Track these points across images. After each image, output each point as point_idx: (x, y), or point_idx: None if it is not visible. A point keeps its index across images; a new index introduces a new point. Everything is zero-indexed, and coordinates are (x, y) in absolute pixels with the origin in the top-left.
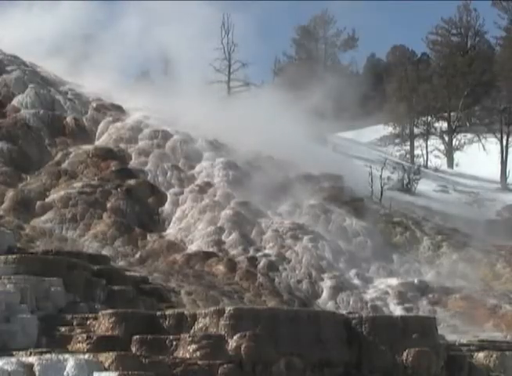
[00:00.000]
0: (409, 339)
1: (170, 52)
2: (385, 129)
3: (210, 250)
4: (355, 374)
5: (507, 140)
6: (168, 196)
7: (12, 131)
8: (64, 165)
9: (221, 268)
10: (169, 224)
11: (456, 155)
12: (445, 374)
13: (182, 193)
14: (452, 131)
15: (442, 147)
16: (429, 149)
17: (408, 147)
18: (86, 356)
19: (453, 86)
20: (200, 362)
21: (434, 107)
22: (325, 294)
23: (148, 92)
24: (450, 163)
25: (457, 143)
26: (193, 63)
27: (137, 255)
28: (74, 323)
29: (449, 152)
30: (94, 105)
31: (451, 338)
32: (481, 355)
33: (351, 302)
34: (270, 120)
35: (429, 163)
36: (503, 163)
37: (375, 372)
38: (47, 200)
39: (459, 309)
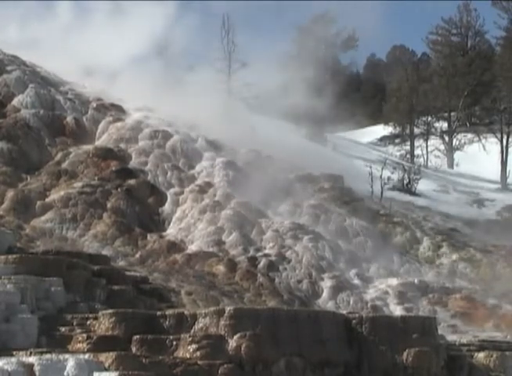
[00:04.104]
0: (409, 339)
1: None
2: (385, 129)
3: (211, 250)
4: (356, 373)
5: (507, 140)
6: (168, 196)
7: (12, 131)
8: (64, 165)
9: (221, 268)
10: (169, 224)
11: (456, 155)
12: (445, 374)
13: (182, 193)
14: (452, 131)
15: (442, 147)
16: (429, 149)
17: (408, 147)
18: (86, 356)
19: (453, 86)
20: (200, 362)
21: (434, 107)
22: (325, 294)
23: (148, 91)
24: (450, 163)
25: (457, 143)
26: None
27: (137, 255)
28: (74, 323)
29: (449, 152)
30: (94, 105)
31: (451, 338)
32: (481, 355)
33: (351, 302)
34: (270, 119)
35: (429, 163)
36: (503, 163)
37: (375, 372)
38: (47, 200)
39: (459, 309)
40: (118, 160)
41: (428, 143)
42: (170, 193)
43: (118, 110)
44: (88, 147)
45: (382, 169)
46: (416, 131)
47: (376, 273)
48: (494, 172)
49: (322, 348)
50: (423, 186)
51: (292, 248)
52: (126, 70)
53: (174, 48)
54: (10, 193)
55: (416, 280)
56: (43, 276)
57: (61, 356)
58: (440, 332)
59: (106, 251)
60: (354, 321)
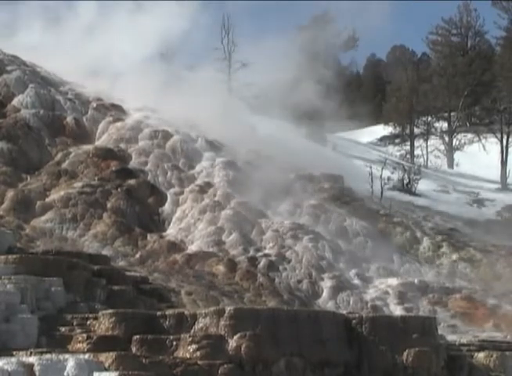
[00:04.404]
0: (409, 339)
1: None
2: (385, 129)
3: (211, 250)
4: (355, 373)
5: (507, 140)
6: (168, 196)
7: (12, 131)
8: (64, 165)
9: (221, 268)
10: (169, 224)
11: (456, 155)
12: (445, 374)
13: (182, 193)
14: (452, 132)
15: (442, 147)
16: (429, 149)
17: (408, 147)
18: (86, 356)
19: (453, 86)
20: (200, 362)
21: (434, 107)
22: (325, 294)
23: (148, 91)
24: (450, 163)
25: (457, 143)
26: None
27: (137, 255)
28: (74, 323)
29: (449, 152)
30: (94, 105)
31: (451, 338)
32: (481, 355)
33: (351, 302)
34: (270, 119)
35: (429, 163)
36: (503, 163)
37: (375, 372)
38: (47, 200)
39: (459, 309)
40: (118, 160)
41: (428, 143)
42: (170, 193)
43: (118, 110)
44: (88, 147)
45: (382, 169)
46: (416, 131)
47: (376, 273)
48: (494, 172)
49: (322, 348)
50: (423, 186)
51: (292, 248)
52: (127, 70)
53: (178, 49)
54: (10, 193)
55: (416, 280)
56: (43, 276)
57: (61, 356)
58: (440, 332)
59: (106, 251)
60: (354, 321)
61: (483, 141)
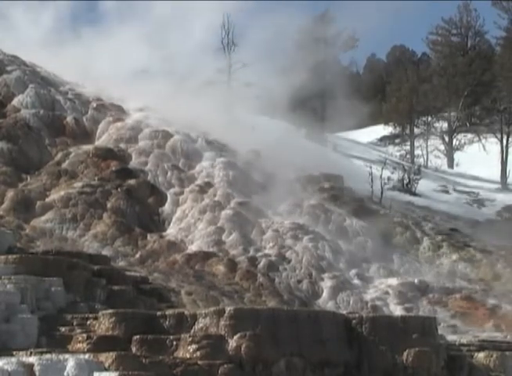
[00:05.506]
0: (409, 339)
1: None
2: (385, 129)
3: (211, 250)
4: (355, 373)
5: (507, 140)
6: (168, 196)
7: (12, 131)
8: (64, 165)
9: (221, 268)
10: (169, 224)
11: (456, 155)
12: (445, 374)
13: (182, 193)
14: (452, 132)
15: (442, 147)
16: (429, 149)
17: (408, 147)
18: (86, 356)
19: (453, 86)
20: (200, 362)
21: (434, 107)
22: (325, 294)
23: (148, 92)
24: (450, 163)
25: (457, 143)
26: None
27: (137, 255)
28: (74, 323)
29: (449, 152)
30: (94, 105)
31: (451, 338)
32: (481, 355)
33: (351, 302)
34: (270, 119)
35: (429, 163)
36: (503, 163)
37: (375, 372)
38: (47, 200)
39: (459, 309)
40: (118, 160)
41: (428, 143)
42: (170, 193)
43: (118, 110)
44: (88, 147)
45: (382, 169)
46: (416, 131)
47: (376, 273)
48: (494, 172)
49: (322, 348)
50: (423, 186)
51: (292, 248)
52: (127, 70)
53: (180, 50)
54: (10, 193)
55: (416, 280)
56: (43, 276)
57: (61, 356)
58: (440, 332)
59: (106, 251)
60: (354, 321)
61: (483, 141)
